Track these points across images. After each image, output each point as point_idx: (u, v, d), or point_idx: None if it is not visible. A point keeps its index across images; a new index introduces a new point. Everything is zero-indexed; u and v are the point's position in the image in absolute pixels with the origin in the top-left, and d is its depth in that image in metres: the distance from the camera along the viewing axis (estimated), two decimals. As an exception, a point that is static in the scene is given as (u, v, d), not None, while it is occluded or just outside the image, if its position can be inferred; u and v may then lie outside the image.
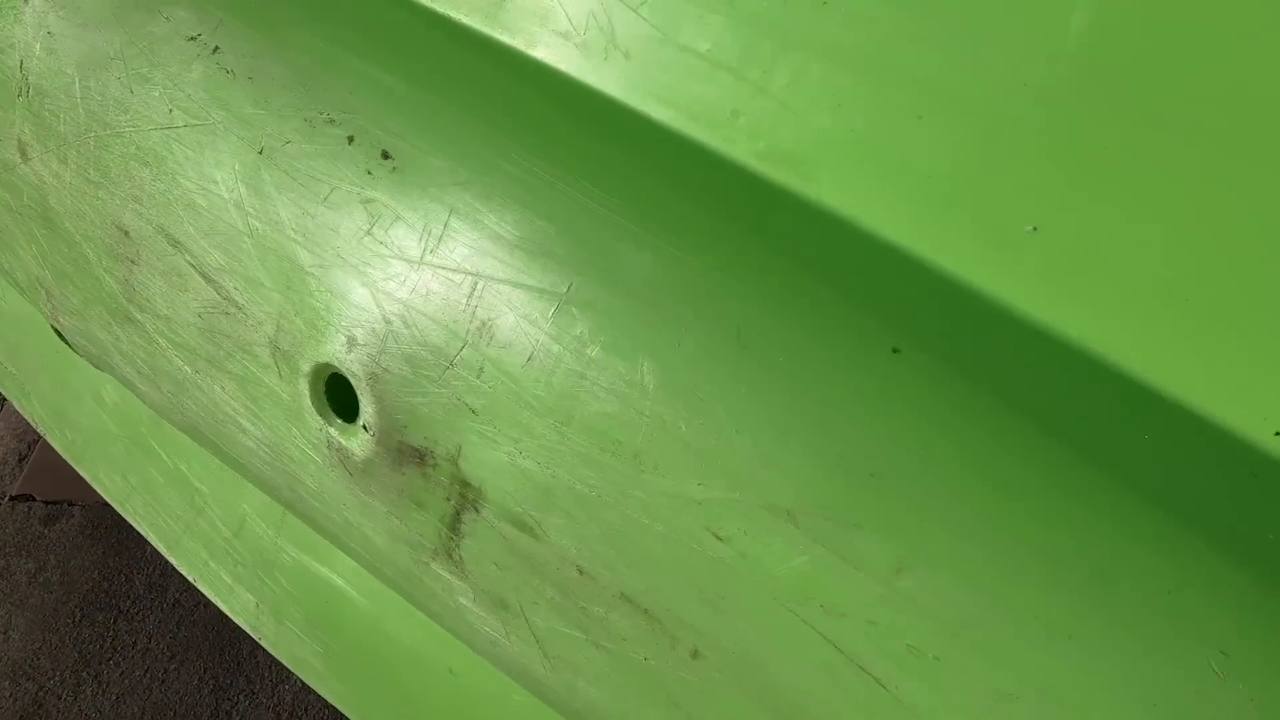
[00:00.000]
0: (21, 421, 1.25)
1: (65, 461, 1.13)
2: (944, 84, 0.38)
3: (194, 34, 0.51)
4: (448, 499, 0.43)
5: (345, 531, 0.51)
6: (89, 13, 0.55)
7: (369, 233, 0.43)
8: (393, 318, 0.43)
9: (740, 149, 0.40)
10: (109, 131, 0.54)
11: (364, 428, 0.45)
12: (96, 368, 0.75)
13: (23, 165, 0.64)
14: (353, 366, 0.44)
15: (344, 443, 0.47)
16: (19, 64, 0.60)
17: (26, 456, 1.21)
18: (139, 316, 0.57)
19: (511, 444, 0.40)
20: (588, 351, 0.37)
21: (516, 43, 0.44)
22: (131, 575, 1.07)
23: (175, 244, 0.52)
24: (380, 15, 0.48)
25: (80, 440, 0.96)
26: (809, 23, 0.38)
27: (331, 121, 0.45)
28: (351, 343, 0.44)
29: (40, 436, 1.26)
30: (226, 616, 0.81)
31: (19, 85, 0.61)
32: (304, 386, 0.48)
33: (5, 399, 1.51)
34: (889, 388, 0.35)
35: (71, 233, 0.61)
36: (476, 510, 0.42)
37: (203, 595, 0.88)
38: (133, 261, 0.55)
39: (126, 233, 0.55)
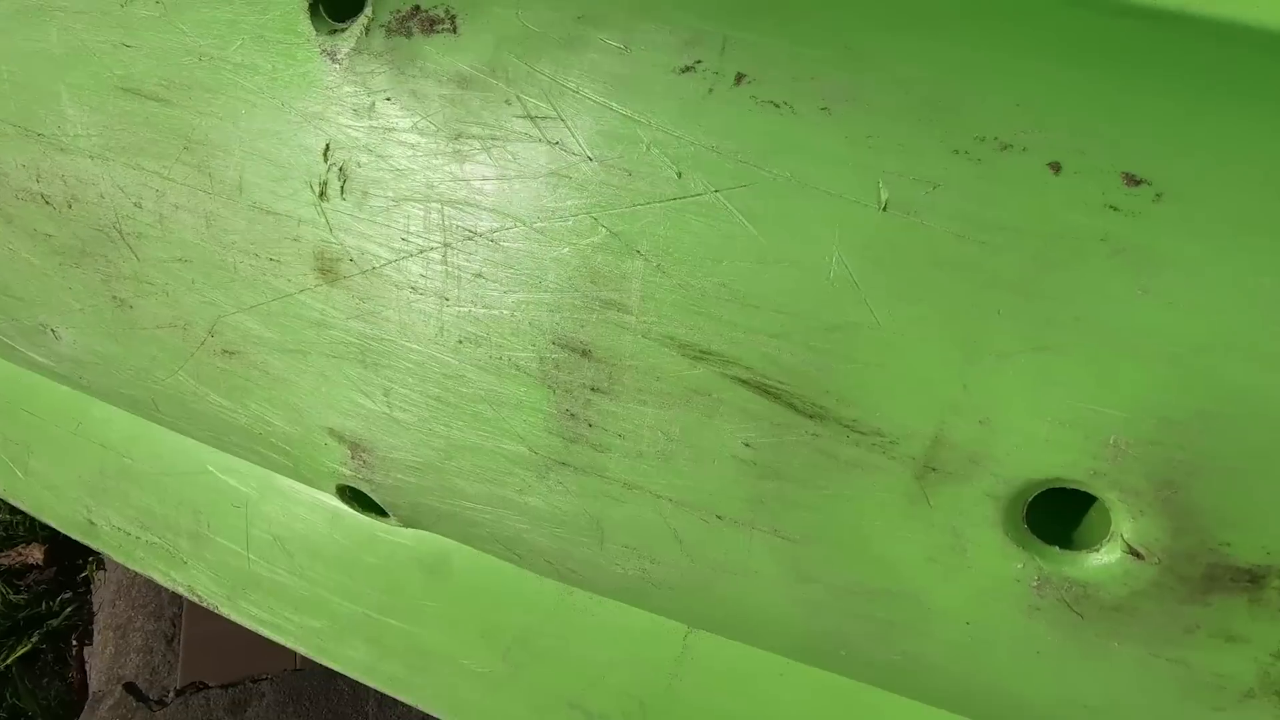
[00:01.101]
0: (152, 597, 1.01)
1: (229, 632, 0.93)
2: None
3: (688, 63, 0.36)
4: (1301, 626, 0.32)
5: (1021, 680, 0.39)
6: (473, 50, 0.39)
7: (1145, 290, 0.31)
8: (1205, 403, 0.31)
9: None
10: (545, 218, 0.39)
11: (1132, 553, 0.33)
12: (415, 527, 0.58)
13: (322, 288, 0.47)
14: (1120, 477, 0.32)
15: (1075, 577, 0.34)
16: (324, 148, 0.43)
17: (175, 637, 0.97)
18: (603, 463, 0.42)
19: None
20: None
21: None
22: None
23: (701, 356, 0.38)
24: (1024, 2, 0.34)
25: (272, 604, 0.78)
26: None
27: (1006, 146, 0.32)
28: (1114, 447, 0.32)
29: (181, 610, 1.03)
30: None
31: (319, 181, 0.44)
32: (987, 513, 0.35)
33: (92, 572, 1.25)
34: None
35: (417, 359, 0.44)
36: (1370, 635, 0.31)
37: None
38: (596, 389, 0.40)
39: (586, 352, 0.40)
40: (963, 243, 0.33)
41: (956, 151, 0.33)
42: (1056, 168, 0.32)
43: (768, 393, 0.37)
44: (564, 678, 0.63)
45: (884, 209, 0.33)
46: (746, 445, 0.38)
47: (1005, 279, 0.32)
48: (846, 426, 0.36)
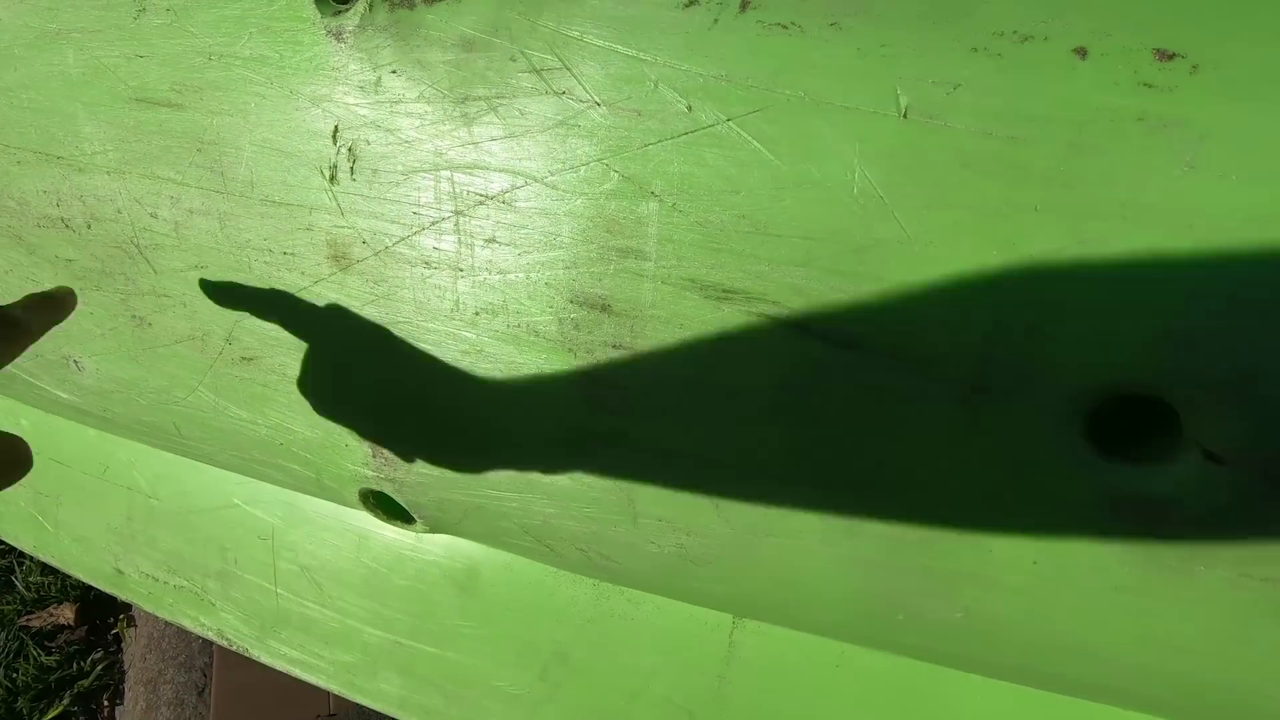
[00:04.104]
0: (183, 648, 0.99)
1: (260, 680, 0.91)
2: None
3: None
4: None
5: (1099, 625, 0.35)
6: (475, 13, 0.39)
7: (1192, 165, 0.29)
8: (1273, 278, 0.28)
9: None
10: (556, 171, 0.38)
11: (1210, 458, 0.30)
12: (441, 530, 0.56)
13: (336, 275, 0.46)
14: (1188, 373, 0.30)
15: (1150, 495, 0.32)
16: (332, 130, 0.43)
17: (205, 688, 0.95)
18: (630, 427, 0.40)
19: None
20: None
21: None
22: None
23: (725, 296, 0.36)
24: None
25: (302, 641, 0.75)
26: None
27: (1027, 38, 0.31)
28: (1177, 340, 0.30)
29: (212, 660, 1.00)
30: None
31: (329, 164, 0.44)
32: (1046, 432, 0.32)
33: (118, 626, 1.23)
34: None
35: (435, 339, 0.43)
36: None
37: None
38: (618, 346, 0.39)
39: (606, 307, 0.39)
40: (991, 140, 0.31)
41: (975, 49, 0.32)
42: (1082, 53, 0.30)
43: (798, 327, 0.35)
44: (605, 692, 0.60)
45: (904, 116, 0.32)
46: (781, 389, 0.36)
47: (1040, 172, 0.31)
48: (884, 354, 0.34)
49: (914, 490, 0.36)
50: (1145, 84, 0.29)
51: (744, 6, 0.35)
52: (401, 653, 0.69)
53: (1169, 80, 0.29)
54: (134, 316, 0.56)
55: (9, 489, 0.36)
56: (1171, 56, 0.29)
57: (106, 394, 0.64)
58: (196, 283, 0.52)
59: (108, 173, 0.52)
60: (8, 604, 1.16)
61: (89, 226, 0.55)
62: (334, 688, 0.75)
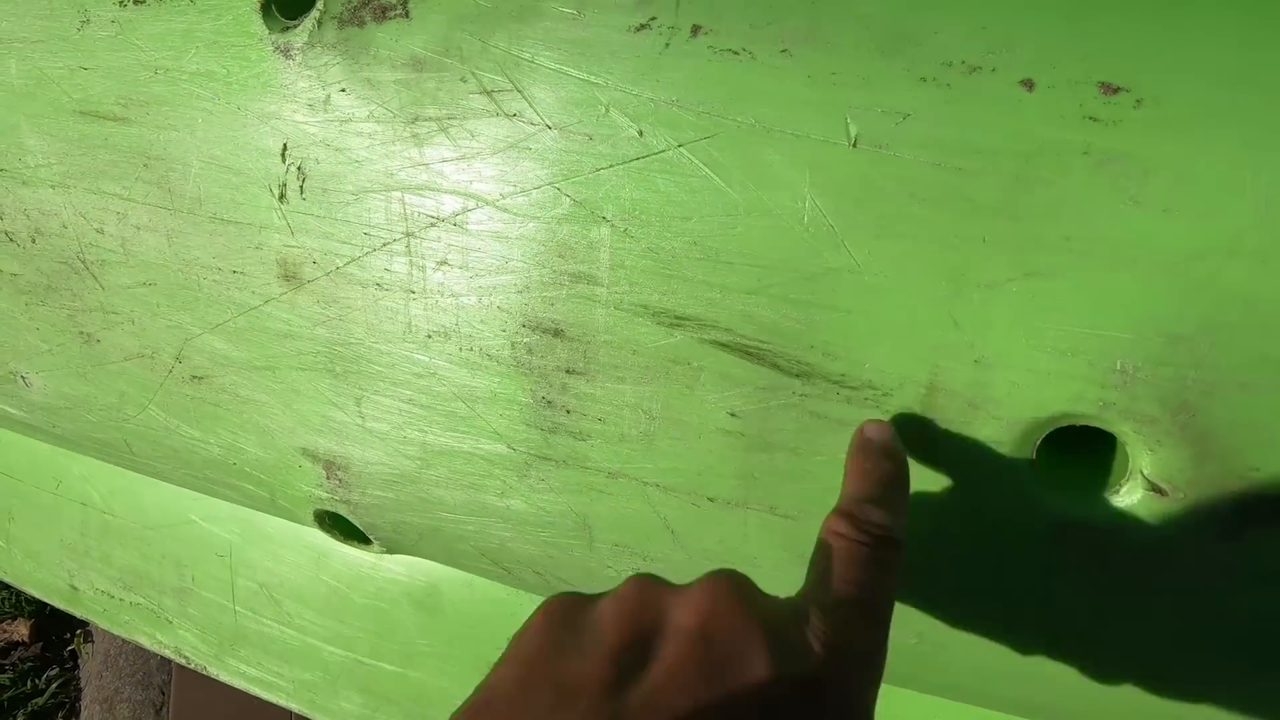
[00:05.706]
0: (140, 665, 0.96)
1: (219, 697, 0.89)
2: None
3: (642, 21, 0.35)
4: None
5: (1048, 653, 0.35)
6: (426, 32, 0.38)
7: (1136, 200, 0.29)
8: (1212, 313, 0.28)
9: None
10: (507, 194, 0.37)
11: (1154, 489, 0.30)
12: (398, 552, 0.55)
13: (287, 295, 0.45)
14: (1131, 405, 0.30)
15: (1096, 525, 0.32)
16: (281, 148, 0.42)
17: (163, 706, 0.92)
18: (585, 451, 0.39)
19: None
20: None
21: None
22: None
23: (677, 322, 0.36)
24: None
25: (261, 659, 0.74)
26: None
27: (975, 69, 0.31)
28: (1121, 373, 0.30)
29: (170, 678, 0.97)
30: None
31: (278, 183, 0.43)
32: (994, 463, 0.32)
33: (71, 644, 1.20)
34: None
35: (387, 361, 0.42)
36: None
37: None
38: (571, 371, 0.38)
39: (558, 332, 0.38)
40: (939, 171, 0.31)
41: (924, 79, 0.31)
42: (1029, 85, 0.30)
43: (749, 354, 0.35)
44: (567, 711, 0.59)
45: (854, 145, 0.32)
46: (732, 415, 0.36)
47: (987, 204, 0.30)
48: (835, 382, 0.34)
49: (866, 518, 0.36)
50: (1091, 117, 0.30)
51: (695, 31, 0.35)
52: (362, 671, 0.68)
53: (1114, 114, 0.29)
54: (81, 333, 0.55)
55: None
56: (1116, 90, 0.29)
57: (56, 410, 0.62)
58: (144, 298, 0.50)
59: (52, 186, 0.51)
60: (-40, 621, 1.13)
61: (34, 241, 0.53)
62: (294, 706, 0.74)
